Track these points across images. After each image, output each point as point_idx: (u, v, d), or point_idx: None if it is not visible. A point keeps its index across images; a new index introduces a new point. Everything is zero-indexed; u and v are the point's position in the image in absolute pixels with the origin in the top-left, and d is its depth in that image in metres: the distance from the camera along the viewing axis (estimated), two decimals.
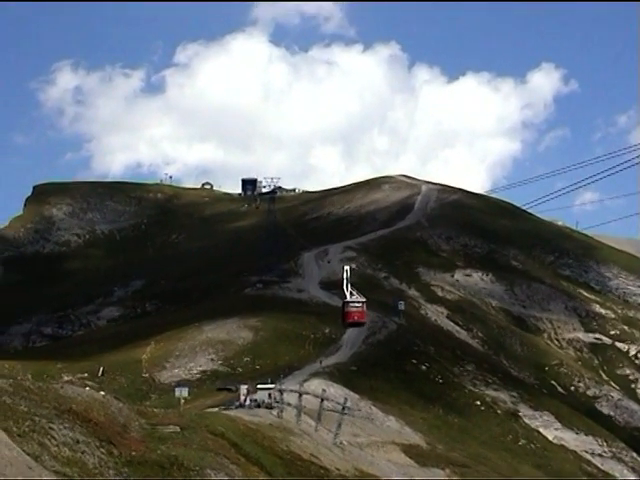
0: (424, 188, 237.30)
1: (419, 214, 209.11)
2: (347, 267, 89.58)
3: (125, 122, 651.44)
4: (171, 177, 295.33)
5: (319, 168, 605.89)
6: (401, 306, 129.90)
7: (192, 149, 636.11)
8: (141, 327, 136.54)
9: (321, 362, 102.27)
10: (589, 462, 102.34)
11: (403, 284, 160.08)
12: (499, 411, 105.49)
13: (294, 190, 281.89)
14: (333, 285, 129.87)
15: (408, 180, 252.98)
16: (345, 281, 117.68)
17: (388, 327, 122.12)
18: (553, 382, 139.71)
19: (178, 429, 45.16)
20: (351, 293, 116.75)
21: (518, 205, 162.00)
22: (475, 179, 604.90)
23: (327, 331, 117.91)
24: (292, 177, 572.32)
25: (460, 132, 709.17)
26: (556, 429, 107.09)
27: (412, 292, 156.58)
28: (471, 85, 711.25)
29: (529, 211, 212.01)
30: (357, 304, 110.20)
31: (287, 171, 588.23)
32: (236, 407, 73.09)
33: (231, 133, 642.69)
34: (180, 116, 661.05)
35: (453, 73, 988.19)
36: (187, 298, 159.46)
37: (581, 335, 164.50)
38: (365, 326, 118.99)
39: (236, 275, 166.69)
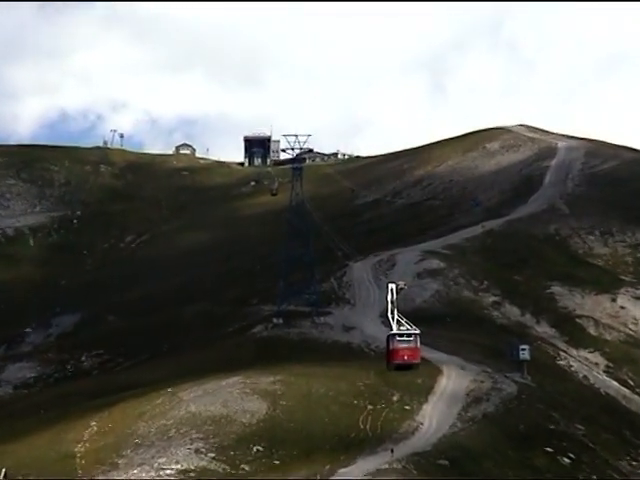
0: (562, 147, 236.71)
1: (553, 192, 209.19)
2: (392, 285, 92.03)
3: (38, 42, 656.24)
4: (122, 135, 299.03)
5: (378, 119, 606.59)
6: (524, 354, 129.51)
7: (160, 87, 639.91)
8: (74, 396, 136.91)
9: (392, 451, 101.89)
10: None
11: (527, 315, 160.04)
12: None
13: (336, 155, 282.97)
14: (405, 317, 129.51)
15: (533, 134, 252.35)
16: (390, 305, 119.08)
17: (502, 390, 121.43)
18: None
19: None
20: (398, 322, 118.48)
21: None
22: None
23: (396, 398, 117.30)
24: (333, 135, 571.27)
25: (628, 52, 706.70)
26: None
27: (543, 329, 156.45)
28: None
29: None
30: (408, 338, 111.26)
31: (324, 124, 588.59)
32: None
33: (228, 60, 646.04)
34: (137, 30, 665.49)
35: None
36: (154, 345, 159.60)
37: None
38: (463, 390, 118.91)
39: (238, 303, 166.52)
